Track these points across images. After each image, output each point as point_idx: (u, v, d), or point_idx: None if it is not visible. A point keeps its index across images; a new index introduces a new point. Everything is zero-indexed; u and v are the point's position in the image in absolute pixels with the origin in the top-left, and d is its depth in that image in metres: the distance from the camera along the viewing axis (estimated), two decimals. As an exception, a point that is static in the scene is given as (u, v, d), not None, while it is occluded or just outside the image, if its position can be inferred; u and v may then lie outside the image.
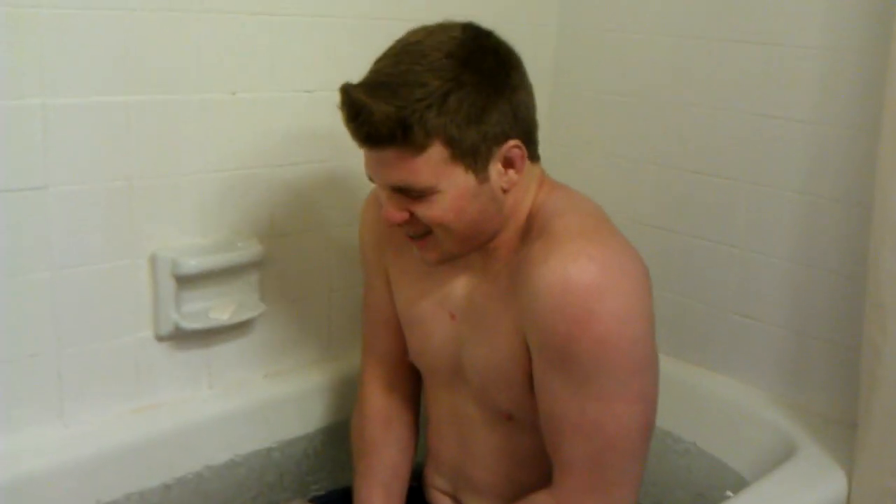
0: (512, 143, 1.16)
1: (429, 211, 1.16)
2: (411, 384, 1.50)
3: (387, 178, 1.16)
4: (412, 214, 1.18)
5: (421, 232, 1.21)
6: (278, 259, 1.67)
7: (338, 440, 1.72)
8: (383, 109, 1.08)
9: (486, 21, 1.20)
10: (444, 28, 1.15)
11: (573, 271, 1.10)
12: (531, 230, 1.22)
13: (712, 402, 1.71)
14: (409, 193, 1.16)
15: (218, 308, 1.58)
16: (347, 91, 1.10)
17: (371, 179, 1.21)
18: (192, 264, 1.50)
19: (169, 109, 1.47)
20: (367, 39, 1.61)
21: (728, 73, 1.71)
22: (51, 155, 1.35)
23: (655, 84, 1.83)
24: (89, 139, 1.39)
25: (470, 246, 1.24)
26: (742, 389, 1.73)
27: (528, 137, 1.20)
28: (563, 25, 2.00)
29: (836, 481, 1.45)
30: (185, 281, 1.52)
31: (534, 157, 1.23)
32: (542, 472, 1.24)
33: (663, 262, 1.80)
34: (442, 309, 1.33)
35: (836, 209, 1.59)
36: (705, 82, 1.74)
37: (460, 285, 1.31)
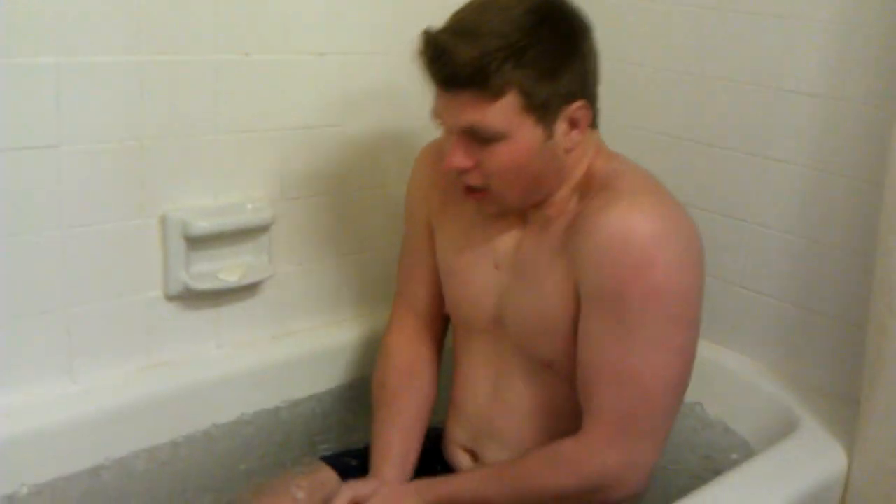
0: (579, 103, 1.20)
1: (494, 159, 1.20)
2: (437, 339, 1.53)
3: (459, 120, 1.19)
4: (476, 163, 1.21)
5: (480, 184, 1.24)
6: (288, 223, 1.68)
7: (346, 402, 1.74)
8: (466, 52, 1.13)
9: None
10: None
11: (636, 219, 1.16)
12: (590, 187, 1.26)
13: (716, 375, 1.70)
14: (477, 137, 1.19)
15: (227, 270, 1.59)
16: (430, 34, 1.15)
17: (438, 122, 1.24)
18: (202, 226, 1.51)
19: (182, 70, 1.47)
20: (378, 5, 1.61)
21: (744, 45, 1.69)
22: (64, 114, 1.35)
23: (672, 55, 1.81)
24: (103, 99, 1.39)
25: (527, 202, 1.28)
26: (745, 363, 1.73)
27: (593, 103, 1.25)
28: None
29: (836, 458, 1.45)
30: (196, 242, 1.53)
31: (594, 123, 1.27)
32: (576, 424, 1.25)
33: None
34: (486, 259, 1.36)
35: (846, 184, 1.58)
36: (721, 55, 1.73)
37: (508, 238, 1.34)
